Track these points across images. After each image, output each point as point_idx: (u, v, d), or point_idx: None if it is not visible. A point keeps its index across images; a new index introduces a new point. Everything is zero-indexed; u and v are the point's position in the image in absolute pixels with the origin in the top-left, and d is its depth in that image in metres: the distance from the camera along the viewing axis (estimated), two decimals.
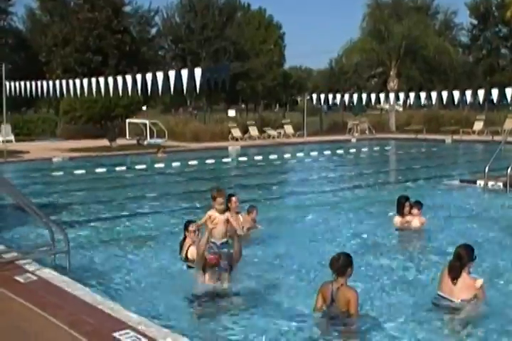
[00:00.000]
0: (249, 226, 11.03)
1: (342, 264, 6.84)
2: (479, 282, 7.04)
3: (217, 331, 6.73)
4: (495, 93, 24.29)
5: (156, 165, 24.62)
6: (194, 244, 8.82)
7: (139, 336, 5.80)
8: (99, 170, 23.10)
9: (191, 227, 9.06)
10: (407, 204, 11.33)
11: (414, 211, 11.26)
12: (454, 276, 7.06)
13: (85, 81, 24.83)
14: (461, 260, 7.07)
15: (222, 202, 7.85)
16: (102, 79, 24.49)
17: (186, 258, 8.98)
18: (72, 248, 8.78)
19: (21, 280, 7.76)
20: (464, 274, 7.06)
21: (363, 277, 8.48)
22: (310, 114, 43.13)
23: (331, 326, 6.73)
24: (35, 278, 7.88)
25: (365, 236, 11.26)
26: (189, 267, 8.84)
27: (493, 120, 38.70)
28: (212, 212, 7.84)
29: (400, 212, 11.38)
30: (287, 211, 14.31)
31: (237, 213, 10.99)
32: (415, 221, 11.29)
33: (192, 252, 8.81)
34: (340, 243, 10.73)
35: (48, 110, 45.78)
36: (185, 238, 9.17)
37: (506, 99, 24.55)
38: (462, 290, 6.98)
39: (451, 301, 7.01)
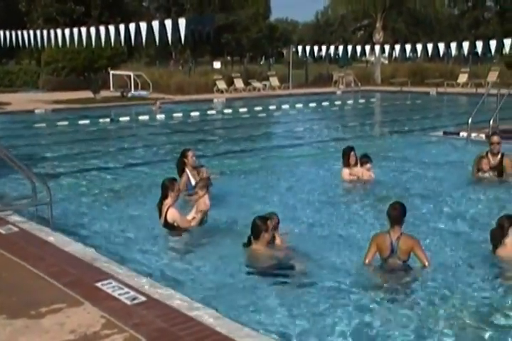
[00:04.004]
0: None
1: (401, 213, 6.80)
2: None
3: (203, 281, 6.76)
4: (479, 46, 24.07)
5: (141, 117, 24.45)
6: (173, 206, 8.33)
7: (120, 285, 5.83)
8: (82, 122, 22.93)
9: (176, 186, 8.52)
10: (352, 154, 11.17)
11: (367, 165, 11.13)
12: (495, 244, 7.07)
13: (67, 31, 24.35)
14: (502, 228, 6.99)
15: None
16: (84, 30, 24.04)
17: (166, 222, 8.29)
18: (54, 200, 8.73)
19: (2, 232, 7.74)
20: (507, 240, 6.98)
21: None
22: (295, 66, 42.77)
23: (389, 278, 6.65)
24: (16, 229, 7.87)
25: (335, 186, 11.28)
26: (169, 229, 8.32)
27: (477, 73, 38.65)
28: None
29: (346, 163, 11.22)
30: (269, 162, 14.38)
31: (194, 168, 10.54)
32: (364, 172, 11.15)
33: (172, 215, 8.23)
34: (314, 194, 10.76)
35: (29, 61, 45.00)
36: (164, 198, 8.36)
37: (490, 51, 24.41)
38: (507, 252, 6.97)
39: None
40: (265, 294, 6.28)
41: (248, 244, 7.21)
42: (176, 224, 8.23)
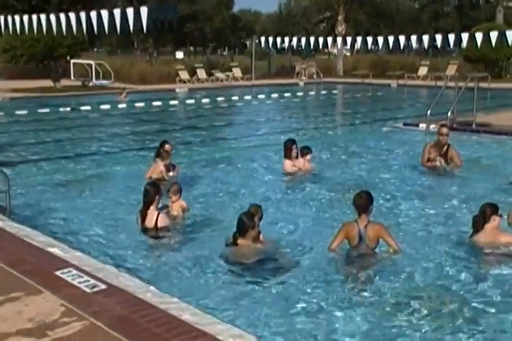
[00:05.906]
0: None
1: (367, 201, 6.87)
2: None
3: (167, 269, 6.77)
4: (439, 39, 24.34)
5: (102, 107, 24.22)
6: (161, 212, 8.05)
7: (80, 274, 5.80)
8: (42, 110, 22.64)
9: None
10: (294, 147, 11.23)
11: (307, 157, 11.22)
12: (476, 229, 7.18)
13: (25, 18, 23.89)
14: (484, 215, 7.11)
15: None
16: (43, 17, 23.62)
17: (155, 227, 7.81)
18: (13, 189, 8.63)
19: None
20: (488, 226, 7.12)
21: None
22: (258, 57, 42.80)
23: (359, 265, 6.66)
24: None
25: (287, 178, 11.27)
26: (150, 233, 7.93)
27: (437, 66, 39.20)
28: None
29: (288, 155, 11.26)
30: (230, 152, 14.39)
31: (165, 161, 10.43)
32: (306, 164, 11.26)
33: (165, 220, 7.89)
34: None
35: None
36: (150, 203, 7.90)
37: (449, 45, 24.70)
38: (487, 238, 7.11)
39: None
40: (233, 286, 6.28)
41: (234, 240, 6.89)
42: (165, 226, 7.91)
